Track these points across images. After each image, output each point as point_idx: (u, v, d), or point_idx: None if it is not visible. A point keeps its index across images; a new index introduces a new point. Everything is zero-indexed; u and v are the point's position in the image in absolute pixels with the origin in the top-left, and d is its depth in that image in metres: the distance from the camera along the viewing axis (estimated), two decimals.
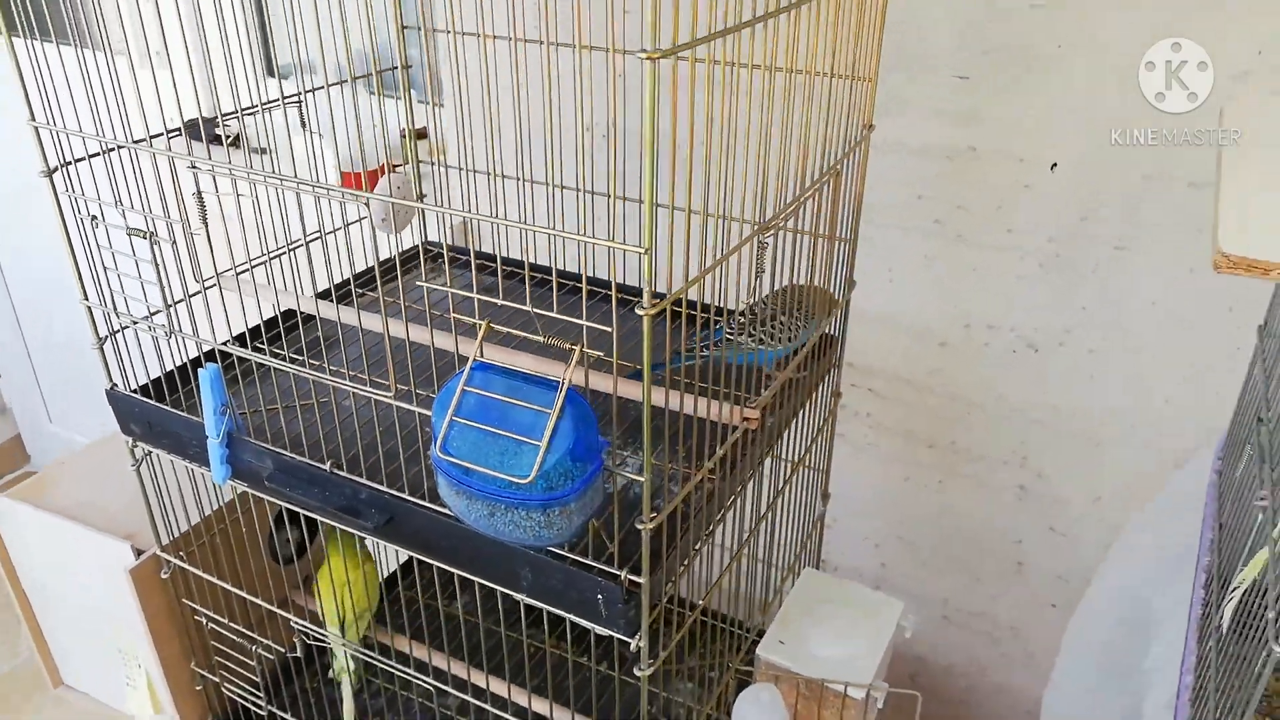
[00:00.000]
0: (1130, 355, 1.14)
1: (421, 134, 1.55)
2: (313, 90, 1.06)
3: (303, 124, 1.33)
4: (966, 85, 1.10)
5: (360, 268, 1.17)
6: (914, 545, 1.40)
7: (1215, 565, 0.93)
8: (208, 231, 0.78)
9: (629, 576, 0.68)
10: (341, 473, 0.81)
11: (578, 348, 0.62)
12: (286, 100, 1.05)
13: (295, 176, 0.69)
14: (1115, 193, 1.07)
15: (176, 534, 1.04)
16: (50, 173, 0.82)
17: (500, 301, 0.64)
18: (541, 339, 0.64)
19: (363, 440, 0.83)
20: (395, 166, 1.52)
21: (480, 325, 0.65)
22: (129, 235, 0.80)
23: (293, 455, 0.83)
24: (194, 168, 0.73)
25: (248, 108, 0.97)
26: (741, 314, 0.97)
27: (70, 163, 0.83)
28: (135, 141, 0.82)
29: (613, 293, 0.62)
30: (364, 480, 0.80)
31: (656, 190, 0.56)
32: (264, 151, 1.61)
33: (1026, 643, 1.37)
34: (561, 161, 0.69)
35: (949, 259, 1.19)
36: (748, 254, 0.73)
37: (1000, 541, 1.33)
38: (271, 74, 1.84)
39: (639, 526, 0.65)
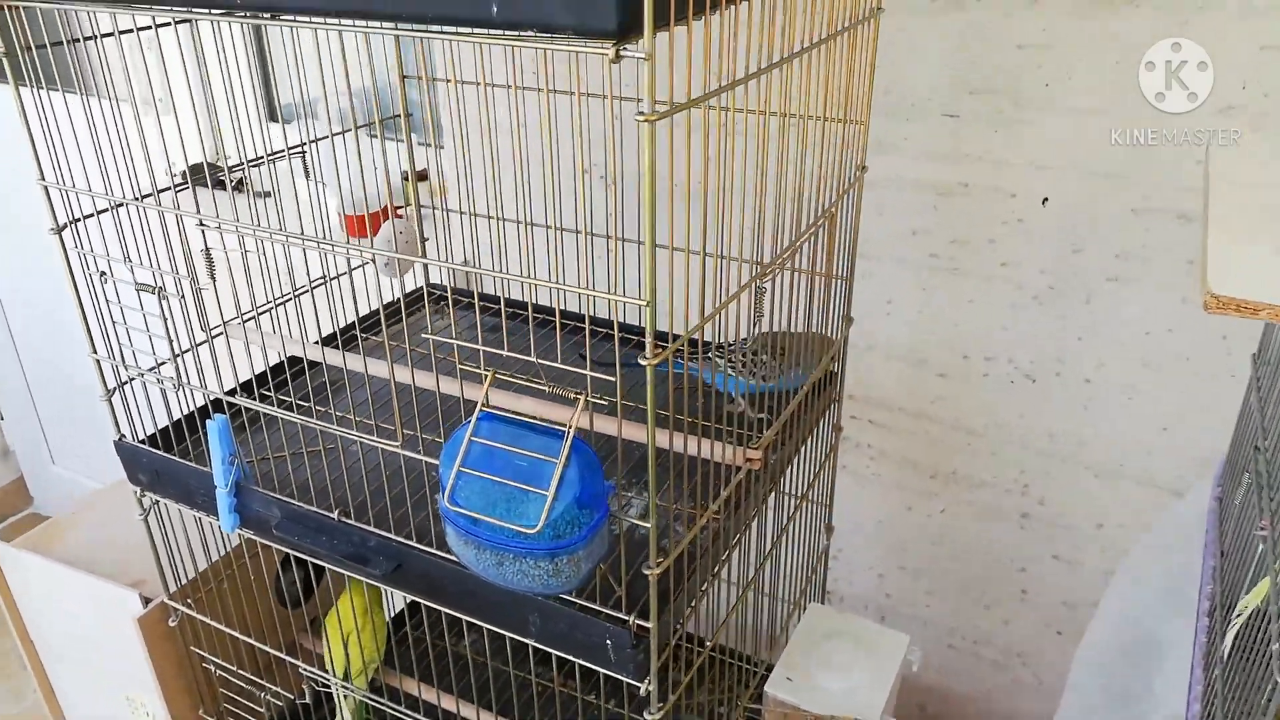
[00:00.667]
0: (1126, 384, 1.15)
1: (422, 176, 1.57)
2: (316, 140, 1.08)
3: (306, 174, 1.35)
4: (956, 124, 1.12)
5: (365, 310, 1.18)
6: (918, 574, 1.40)
7: (1218, 593, 0.94)
8: (215, 286, 0.79)
9: (637, 621, 0.68)
10: (349, 520, 0.82)
11: (582, 396, 0.63)
12: (291, 150, 1.07)
13: (302, 233, 0.71)
14: (1106, 226, 1.09)
15: (184, 581, 1.04)
16: (59, 230, 0.83)
17: (505, 353, 0.65)
18: (546, 389, 0.65)
19: (369, 486, 0.84)
20: (398, 209, 1.54)
21: (486, 375, 0.66)
22: (137, 290, 0.81)
23: (300, 504, 0.84)
24: (202, 225, 0.74)
25: (254, 159, 0.99)
26: (730, 342, 0.99)
27: (78, 220, 0.84)
28: (142, 197, 0.84)
29: (615, 340, 0.63)
30: (371, 528, 0.81)
31: (656, 242, 0.57)
32: (267, 195, 1.63)
33: (1034, 669, 1.37)
34: (560, 204, 0.70)
35: (946, 291, 1.21)
36: (747, 295, 0.74)
37: (1004, 569, 1.33)
38: (274, 118, 1.87)
39: (646, 572, 0.66)
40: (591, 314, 0.65)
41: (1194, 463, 1.14)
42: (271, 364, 1.04)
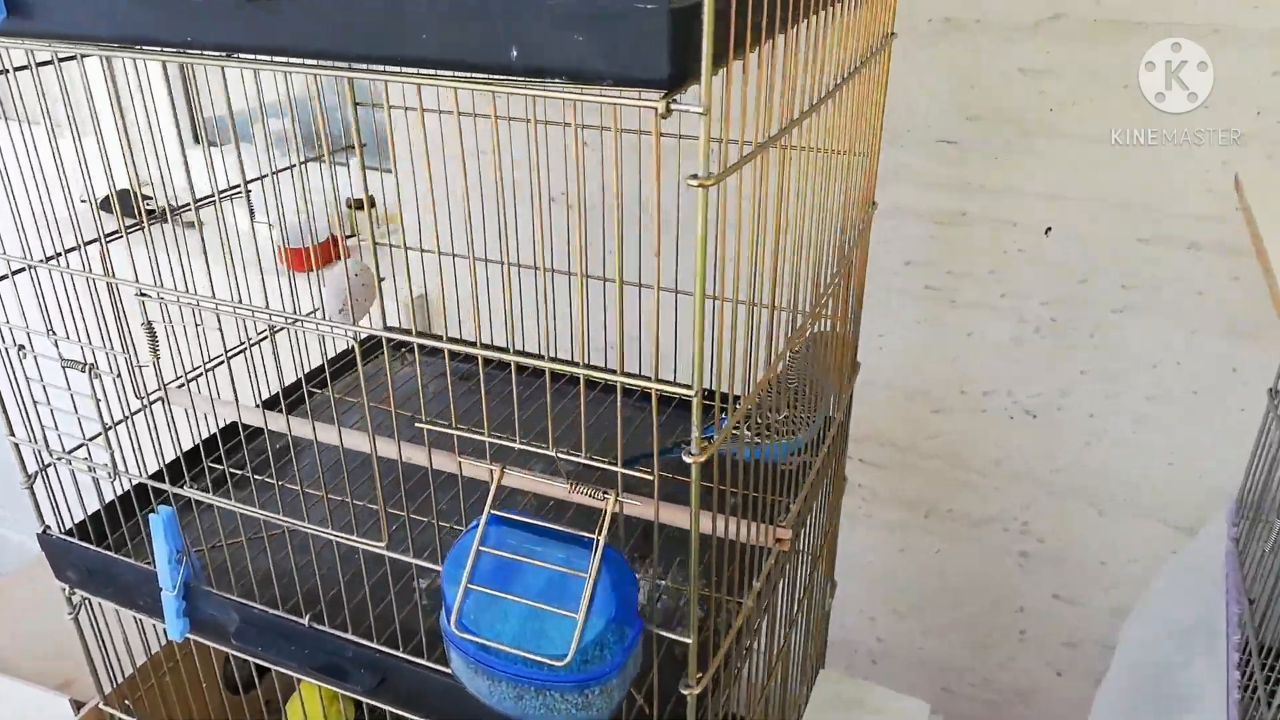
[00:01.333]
0: (1131, 419, 1.10)
1: (362, 204, 1.46)
2: (261, 178, 0.97)
3: (251, 215, 1.23)
4: (954, 151, 1.06)
5: (328, 354, 1.07)
6: (911, 616, 1.34)
7: (1251, 642, 0.89)
8: (157, 362, 0.68)
9: None
10: (322, 626, 0.71)
11: (611, 497, 0.54)
12: (230, 192, 0.95)
13: (269, 308, 0.60)
14: (1112, 256, 1.04)
15: (120, 679, 0.92)
16: None
17: (519, 447, 0.56)
18: (567, 486, 0.55)
19: (342, 576, 0.73)
20: (346, 239, 1.42)
21: (494, 470, 0.57)
22: (63, 367, 0.69)
23: (262, 607, 0.73)
24: (141, 295, 0.63)
25: (204, 198, 0.87)
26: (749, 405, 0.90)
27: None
28: (66, 251, 0.72)
29: (654, 424, 0.54)
30: (349, 634, 0.70)
31: (704, 315, 0.48)
32: (191, 226, 1.49)
33: (1036, 711, 1.32)
34: (553, 242, 0.61)
35: (943, 324, 1.14)
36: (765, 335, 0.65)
37: (1002, 609, 1.28)
38: (198, 140, 1.73)
39: (685, 691, 0.57)
40: (586, 361, 0.54)
41: (1203, 498, 1.10)
42: (214, 431, 0.92)
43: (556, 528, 0.56)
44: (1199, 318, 1.03)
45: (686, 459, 0.51)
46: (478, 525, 0.56)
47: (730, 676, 0.65)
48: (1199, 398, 1.06)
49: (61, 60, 0.65)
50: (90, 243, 0.72)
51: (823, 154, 0.63)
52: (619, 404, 0.52)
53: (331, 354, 1.14)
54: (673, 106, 0.43)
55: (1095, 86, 0.97)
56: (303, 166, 1.00)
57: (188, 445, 0.85)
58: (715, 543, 0.62)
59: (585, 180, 0.51)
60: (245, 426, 0.95)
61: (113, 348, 0.66)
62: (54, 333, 0.69)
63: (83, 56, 0.66)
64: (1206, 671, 0.95)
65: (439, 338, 1.03)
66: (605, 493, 0.54)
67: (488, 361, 0.57)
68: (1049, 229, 1.05)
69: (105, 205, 0.86)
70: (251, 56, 0.54)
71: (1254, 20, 0.90)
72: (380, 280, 1.15)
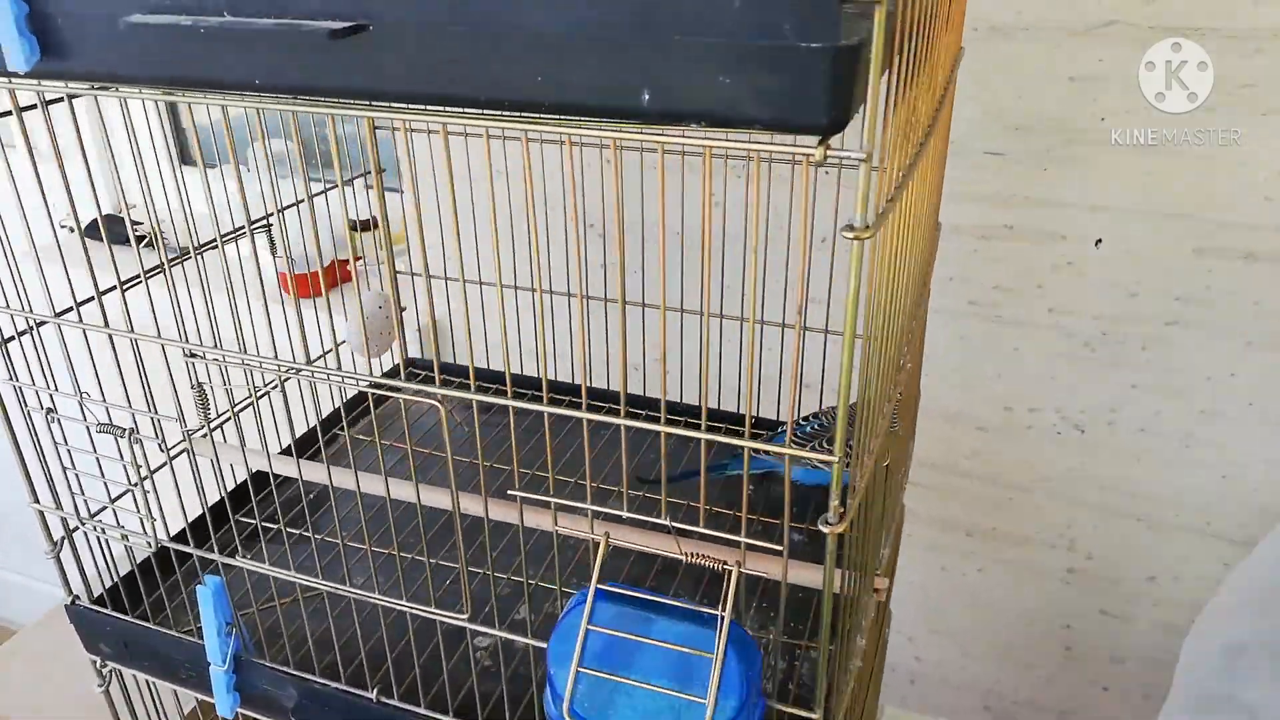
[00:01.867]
0: (1184, 433, 1.08)
1: (372, 225, 1.40)
2: (283, 209, 0.91)
3: (273, 249, 1.17)
4: (1000, 163, 1.02)
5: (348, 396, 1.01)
6: (952, 636, 1.31)
7: None
8: (209, 427, 0.62)
9: None
10: (391, 701, 0.66)
11: (736, 566, 0.50)
12: (255, 226, 0.90)
13: (310, 364, 0.55)
14: (1165, 268, 1.01)
15: None
16: None
17: (626, 516, 0.51)
18: (682, 556, 0.51)
19: (394, 638, 0.68)
20: (344, 263, 1.36)
21: (599, 540, 0.52)
22: (97, 432, 0.63)
23: (324, 680, 0.68)
24: (191, 356, 0.57)
25: (227, 234, 0.82)
26: (806, 418, 0.87)
27: (11, 338, 0.66)
28: (81, 302, 0.66)
29: (785, 492, 0.50)
30: (421, 708, 0.65)
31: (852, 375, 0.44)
32: (187, 253, 1.45)
33: None
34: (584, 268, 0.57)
35: (987, 341, 1.11)
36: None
37: (1046, 627, 1.25)
38: (186, 160, 1.66)
39: None
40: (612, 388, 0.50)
41: (1258, 512, 1.08)
42: (231, 489, 0.86)
43: (671, 601, 0.51)
44: (1255, 329, 1.00)
45: (824, 528, 0.46)
46: (583, 599, 0.52)
47: None
48: (1254, 409, 1.04)
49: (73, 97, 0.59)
50: (106, 291, 0.67)
51: (923, 180, 0.60)
52: (744, 475, 0.48)
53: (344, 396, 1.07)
54: (829, 155, 0.39)
55: (1137, 97, 0.95)
56: (324, 194, 0.95)
57: (213, 498, 0.79)
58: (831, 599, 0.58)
59: (648, 206, 0.46)
60: (276, 476, 0.90)
61: (155, 410, 0.60)
62: (86, 394, 0.63)
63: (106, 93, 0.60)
64: (1272, 691, 0.92)
65: (501, 387, 0.97)
66: (726, 564, 0.50)
67: (555, 401, 0.53)
68: (1099, 241, 1.03)
69: (89, 232, 0.80)
70: (308, 100, 0.49)
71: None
72: (402, 310, 1.10)
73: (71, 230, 0.63)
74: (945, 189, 1.05)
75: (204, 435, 0.74)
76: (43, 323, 0.65)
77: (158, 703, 0.83)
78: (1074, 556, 1.19)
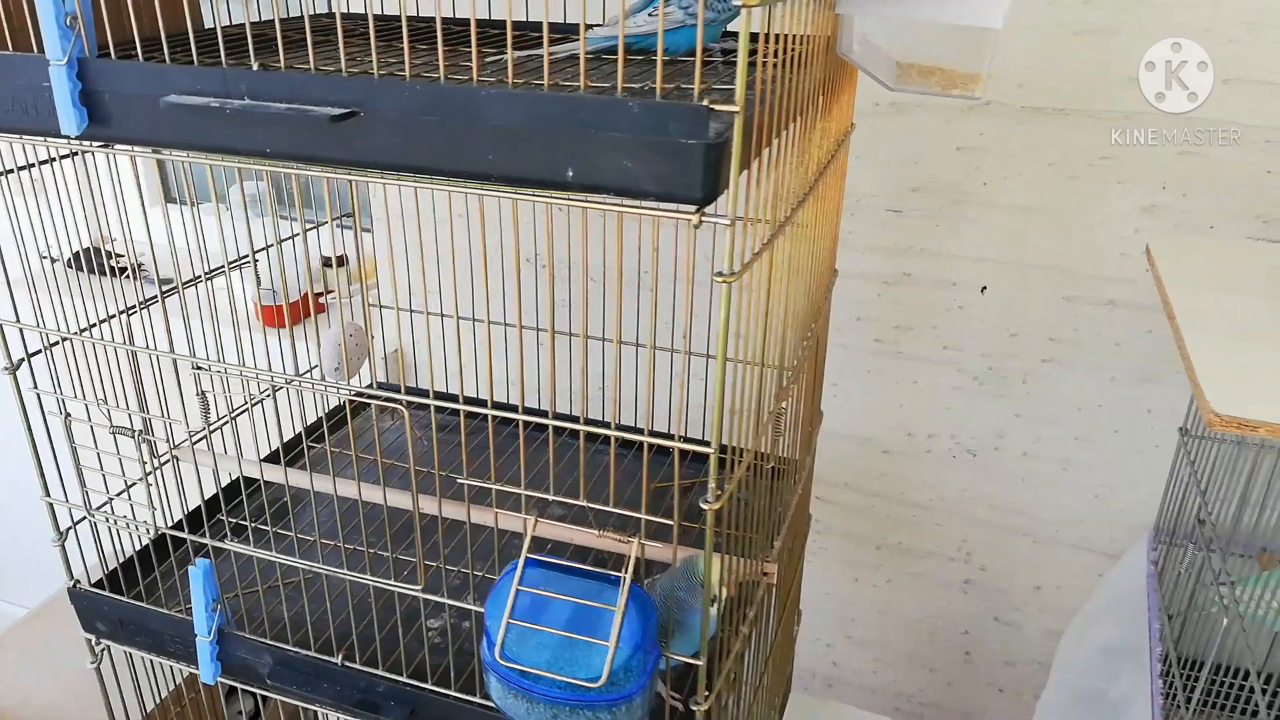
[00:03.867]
0: (1060, 457, 1.23)
1: (341, 261, 1.52)
2: (268, 247, 1.03)
3: (259, 282, 1.29)
4: (899, 219, 1.18)
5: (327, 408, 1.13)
6: (865, 643, 1.44)
7: (1171, 654, 1.01)
8: (208, 431, 0.74)
9: None
10: (354, 665, 0.78)
11: (635, 540, 0.63)
12: (242, 262, 1.02)
13: (311, 375, 0.68)
14: (1040, 312, 1.17)
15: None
16: (14, 369, 0.77)
17: (552, 499, 0.64)
18: (596, 532, 0.64)
19: (359, 620, 0.79)
20: (319, 295, 1.48)
21: (528, 520, 0.65)
22: (113, 434, 0.75)
23: (295, 648, 0.79)
24: (197, 369, 0.70)
25: (215, 269, 0.94)
26: None
27: (35, 354, 0.78)
28: (98, 322, 0.78)
29: (675, 468, 0.63)
30: (381, 671, 0.77)
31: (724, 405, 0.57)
32: (170, 283, 1.56)
33: None
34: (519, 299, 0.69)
35: (889, 373, 1.26)
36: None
37: (948, 634, 1.39)
38: (169, 198, 1.77)
39: (695, 708, 0.66)
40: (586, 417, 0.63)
41: (1125, 527, 1.23)
42: (224, 486, 0.98)
43: (585, 568, 0.64)
44: (1117, 366, 1.16)
45: (704, 506, 0.60)
46: (515, 568, 0.64)
47: (730, 692, 0.74)
48: (1119, 436, 1.19)
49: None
50: (128, 311, 0.79)
51: (806, 235, 0.74)
52: (645, 461, 0.61)
53: (325, 409, 1.19)
54: (704, 219, 0.53)
55: (1024, 161, 1.11)
56: (293, 232, 1.07)
57: (205, 495, 0.91)
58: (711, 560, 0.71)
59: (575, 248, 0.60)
60: (250, 481, 1.01)
61: (167, 415, 0.72)
62: (105, 403, 0.75)
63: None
64: (1134, 684, 1.06)
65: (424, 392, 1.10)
66: (628, 537, 0.63)
67: (497, 418, 0.66)
68: (984, 288, 1.18)
69: (72, 263, 0.92)
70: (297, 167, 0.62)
71: None
72: (372, 339, 1.23)
73: (54, 261, 0.76)
74: (852, 241, 1.20)
75: (201, 439, 0.87)
76: (66, 339, 0.77)
77: (151, 678, 0.93)
78: (970, 568, 1.34)
